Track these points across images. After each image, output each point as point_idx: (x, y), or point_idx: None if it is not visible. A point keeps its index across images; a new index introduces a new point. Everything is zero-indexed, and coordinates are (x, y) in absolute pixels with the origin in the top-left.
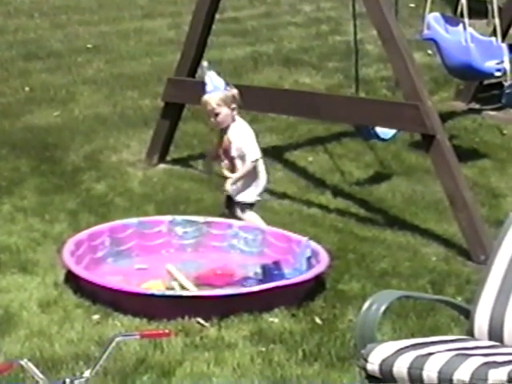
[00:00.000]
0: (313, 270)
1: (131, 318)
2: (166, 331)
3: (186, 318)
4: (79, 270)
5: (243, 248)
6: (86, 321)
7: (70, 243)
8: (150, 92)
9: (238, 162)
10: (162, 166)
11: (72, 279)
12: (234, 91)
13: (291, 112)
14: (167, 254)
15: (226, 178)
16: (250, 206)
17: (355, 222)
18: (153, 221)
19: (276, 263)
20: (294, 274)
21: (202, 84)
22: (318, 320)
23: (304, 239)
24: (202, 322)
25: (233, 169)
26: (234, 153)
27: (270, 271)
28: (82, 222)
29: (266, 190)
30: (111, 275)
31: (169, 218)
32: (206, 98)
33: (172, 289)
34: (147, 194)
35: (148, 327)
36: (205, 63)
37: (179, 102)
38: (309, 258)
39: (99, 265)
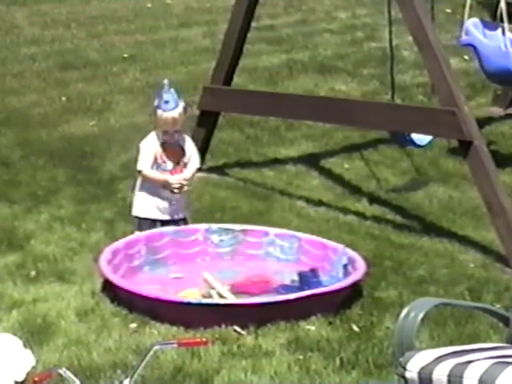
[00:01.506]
0: (350, 277)
1: (168, 326)
2: (204, 340)
3: (223, 326)
4: (116, 279)
5: (279, 256)
6: (124, 329)
7: (106, 252)
8: (185, 101)
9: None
10: (197, 174)
11: (109, 288)
12: (184, 103)
13: (327, 119)
14: (203, 263)
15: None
16: None
17: (392, 229)
18: (189, 229)
19: (313, 271)
20: (331, 281)
21: (239, 92)
22: (355, 328)
23: (340, 246)
24: (238, 330)
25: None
26: (186, 160)
27: (306, 279)
28: (119, 231)
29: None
30: (148, 284)
31: (205, 226)
32: (173, 114)
33: (209, 297)
34: None
35: (185, 336)
36: (166, 81)
37: (215, 110)
38: (345, 266)
39: (136, 273)
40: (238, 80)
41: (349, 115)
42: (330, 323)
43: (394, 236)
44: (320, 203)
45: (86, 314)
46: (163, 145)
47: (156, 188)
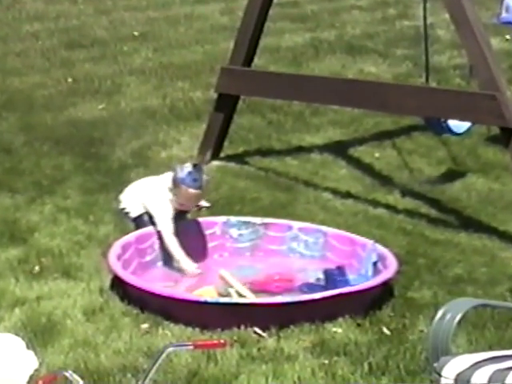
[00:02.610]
0: (380, 275)
1: (183, 327)
2: (221, 341)
3: (242, 327)
4: (126, 276)
5: (303, 252)
6: (134, 330)
7: (116, 246)
8: (201, 83)
9: None
10: (215, 162)
11: (119, 285)
12: None
13: (356, 104)
14: (221, 259)
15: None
16: None
17: (426, 224)
18: (205, 222)
19: (339, 268)
20: (360, 280)
21: (259, 74)
22: (385, 330)
23: (370, 242)
24: (259, 331)
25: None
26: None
27: (332, 277)
28: (129, 224)
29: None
30: (161, 281)
31: (223, 219)
32: (199, 191)
33: (227, 296)
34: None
35: (201, 337)
36: (197, 163)
37: (234, 93)
38: (375, 263)
39: (148, 269)
40: (258, 61)
41: (379, 100)
42: (359, 325)
43: (428, 231)
44: (348, 195)
45: (94, 313)
46: None
47: None
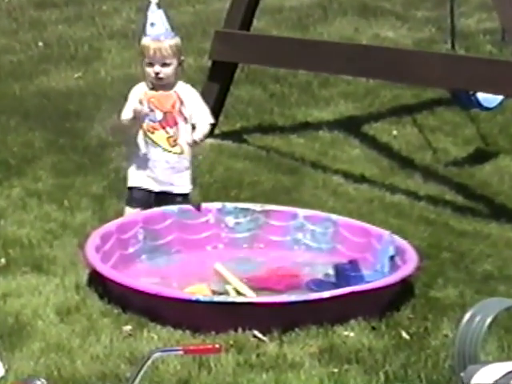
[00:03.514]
0: (398, 271)
1: (171, 329)
2: (215, 346)
3: (240, 330)
4: (106, 270)
5: (310, 243)
6: (115, 332)
7: (94, 236)
8: (193, 48)
9: (186, 128)
10: (208, 140)
11: (97, 281)
12: (180, 41)
13: (371, 74)
14: (215, 251)
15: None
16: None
17: (451, 213)
18: (197, 209)
19: (352, 263)
20: (375, 276)
21: (259, 39)
22: (404, 335)
23: (386, 233)
24: (259, 335)
25: (179, 134)
26: (185, 113)
27: (344, 273)
28: (110, 210)
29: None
30: (146, 276)
31: (217, 205)
32: (155, 41)
33: (222, 294)
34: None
35: (192, 341)
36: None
37: (230, 60)
38: (392, 257)
39: (131, 263)
40: (258, 23)
41: (398, 69)
42: (373, 329)
43: (453, 221)
44: (361, 179)
45: (69, 312)
46: (150, 91)
47: (149, 154)
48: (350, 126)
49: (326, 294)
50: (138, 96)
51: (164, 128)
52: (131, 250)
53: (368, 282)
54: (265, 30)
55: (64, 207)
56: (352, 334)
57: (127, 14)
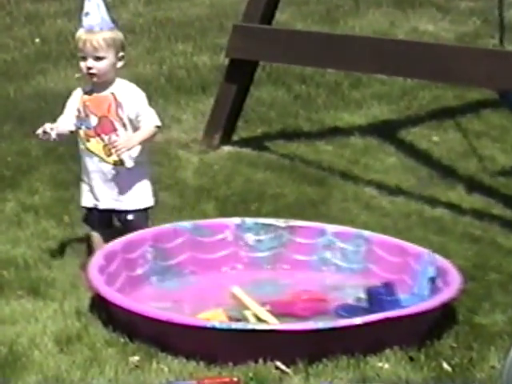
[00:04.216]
0: (439, 295)
1: (183, 360)
2: (233, 379)
3: (261, 361)
4: (111, 294)
5: (340, 263)
6: (121, 364)
7: (98, 256)
8: (208, 45)
9: (128, 135)
10: (226, 148)
11: (101, 306)
12: (122, 35)
13: (408, 72)
14: (233, 272)
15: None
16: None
17: (499, 228)
18: (213, 225)
19: (386, 286)
20: (412, 300)
21: (283, 33)
22: (446, 366)
23: (426, 252)
24: (282, 367)
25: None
26: (124, 118)
27: (378, 296)
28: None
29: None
30: (156, 300)
31: (236, 220)
32: (88, 32)
33: (240, 320)
34: (205, 188)
35: (207, 374)
36: None
37: (250, 58)
38: (432, 279)
39: (139, 286)
40: (281, 16)
41: (439, 66)
42: (411, 359)
43: (501, 238)
44: (397, 190)
45: (70, 341)
46: (88, 93)
47: (86, 165)
48: (385, 131)
49: (357, 321)
50: (77, 103)
51: (99, 135)
52: (139, 271)
53: (405, 307)
54: (289, 24)
55: (64, 223)
56: (387, 366)
57: (135, 6)
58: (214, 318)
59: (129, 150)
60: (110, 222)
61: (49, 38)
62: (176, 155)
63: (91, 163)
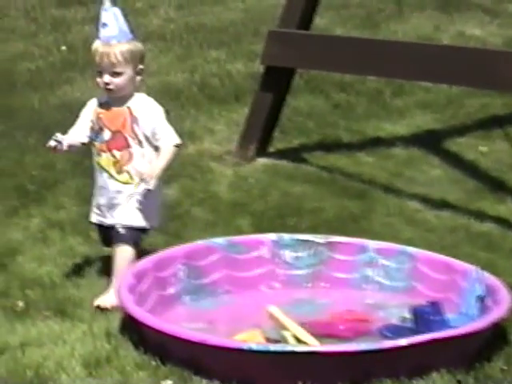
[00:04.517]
0: (488, 315)
1: None
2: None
3: None
4: (142, 314)
5: (383, 281)
6: None
7: (128, 275)
8: (242, 51)
9: (142, 150)
10: (261, 160)
11: (132, 327)
12: (142, 46)
13: (453, 79)
14: (270, 291)
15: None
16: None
17: None
18: (249, 241)
19: (433, 305)
20: (460, 320)
21: (322, 39)
22: None
23: (474, 269)
24: None
25: (130, 159)
26: (139, 134)
27: (423, 316)
28: (145, 243)
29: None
30: (189, 321)
31: (272, 236)
32: (105, 45)
33: (278, 341)
34: (240, 202)
35: None
36: None
37: (287, 65)
38: (481, 298)
39: (171, 306)
40: (320, 21)
41: (486, 73)
42: (459, 383)
43: None
44: (443, 204)
45: (99, 364)
46: (103, 105)
47: (97, 180)
48: (429, 141)
49: (402, 342)
50: (91, 115)
51: (110, 150)
52: (171, 290)
53: (453, 328)
54: (328, 29)
55: (91, 240)
56: None
57: (165, 11)
58: (251, 339)
59: (155, 178)
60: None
61: (75, 45)
62: (209, 168)
63: (100, 178)
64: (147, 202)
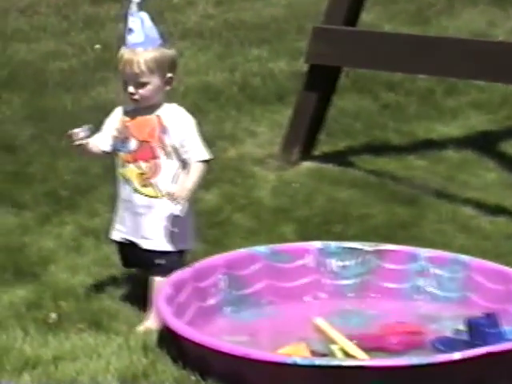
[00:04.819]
0: None
1: None
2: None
3: None
4: (181, 327)
5: (435, 292)
6: None
7: (166, 285)
8: (285, 49)
9: (170, 163)
10: (306, 163)
11: (170, 340)
12: (173, 53)
13: (510, 78)
14: (316, 302)
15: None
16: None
17: None
18: (293, 249)
19: (488, 316)
20: None
21: (369, 36)
22: None
23: None
24: None
25: (157, 171)
26: (168, 145)
27: (478, 328)
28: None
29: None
30: (230, 334)
31: (318, 244)
32: (130, 52)
33: (325, 355)
34: (283, 208)
35: None
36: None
37: (332, 64)
38: None
39: (211, 318)
40: (367, 17)
41: None
42: None
43: None
44: (498, 210)
45: (135, 379)
46: (130, 114)
47: (121, 192)
48: (484, 143)
49: (456, 356)
50: (116, 123)
51: (136, 161)
52: (211, 301)
53: (509, 341)
54: (375, 25)
55: None
56: None
57: (204, 7)
58: (296, 353)
59: (185, 200)
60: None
61: (109, 43)
62: (251, 172)
63: (124, 190)
64: (183, 220)
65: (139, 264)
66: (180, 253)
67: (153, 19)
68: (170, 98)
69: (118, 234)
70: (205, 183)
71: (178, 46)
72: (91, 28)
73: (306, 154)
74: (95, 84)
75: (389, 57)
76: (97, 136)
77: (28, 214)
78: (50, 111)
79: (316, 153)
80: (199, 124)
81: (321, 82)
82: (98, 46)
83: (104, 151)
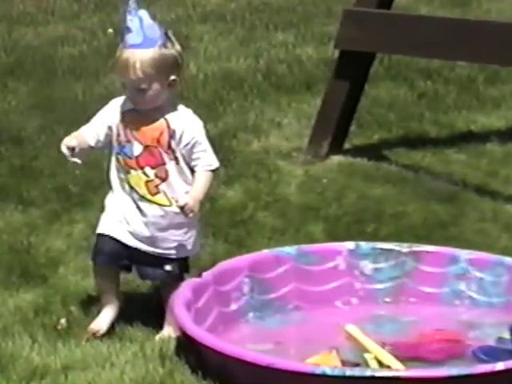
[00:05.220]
0: None
1: None
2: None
3: None
4: (201, 333)
5: (477, 297)
6: None
7: (184, 288)
8: (313, 34)
9: (178, 169)
10: (336, 157)
11: (189, 348)
12: (177, 49)
13: None
14: (347, 307)
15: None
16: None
17: None
18: (322, 250)
19: None
20: None
21: (405, 20)
22: None
23: None
24: None
25: (165, 177)
26: (177, 150)
27: None
28: (203, 253)
29: None
30: (254, 341)
31: (349, 245)
32: (127, 55)
33: (357, 365)
34: (311, 206)
35: None
36: None
37: (364, 49)
38: None
39: (234, 324)
40: None
41: None
42: None
43: None
44: None
45: None
46: (129, 114)
47: (123, 198)
48: None
49: (500, 366)
50: (111, 120)
51: (142, 168)
52: (234, 306)
53: None
54: (411, 8)
55: None
56: None
57: None
58: (325, 362)
59: (196, 211)
60: (122, 261)
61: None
62: (276, 167)
63: (129, 199)
64: (193, 225)
65: (130, 267)
66: (187, 258)
67: (154, 17)
68: (189, 88)
69: (117, 231)
70: (226, 179)
71: (197, 31)
72: (103, 11)
73: (336, 148)
74: (107, 71)
75: (426, 42)
76: (84, 128)
77: (35, 212)
78: (58, 101)
79: (347, 146)
80: (220, 116)
81: (352, 69)
82: (110, 31)
83: (91, 146)
